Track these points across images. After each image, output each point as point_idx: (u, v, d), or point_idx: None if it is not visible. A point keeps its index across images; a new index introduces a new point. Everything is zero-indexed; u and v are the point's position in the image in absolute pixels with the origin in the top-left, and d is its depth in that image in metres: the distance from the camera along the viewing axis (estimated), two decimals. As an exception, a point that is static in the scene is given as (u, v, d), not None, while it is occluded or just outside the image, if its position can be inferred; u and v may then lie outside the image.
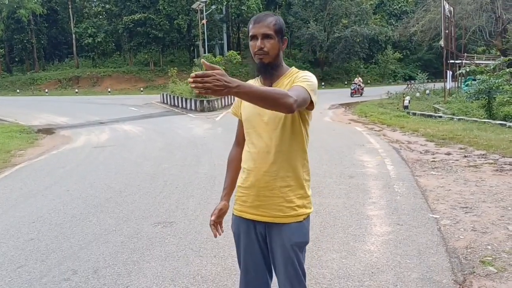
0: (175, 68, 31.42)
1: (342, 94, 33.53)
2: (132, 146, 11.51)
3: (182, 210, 5.52)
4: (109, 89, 43.51)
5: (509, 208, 5.20)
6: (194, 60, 30.08)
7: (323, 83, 47.80)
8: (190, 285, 3.47)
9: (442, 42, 26.07)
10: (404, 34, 44.54)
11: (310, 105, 1.92)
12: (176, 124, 17.53)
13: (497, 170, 7.39)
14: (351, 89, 32.35)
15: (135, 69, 50.34)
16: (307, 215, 2.08)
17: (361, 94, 32.02)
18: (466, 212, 5.11)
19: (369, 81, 48.84)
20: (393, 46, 54.25)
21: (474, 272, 3.53)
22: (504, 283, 3.32)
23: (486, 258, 3.78)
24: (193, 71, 26.88)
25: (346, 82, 48.74)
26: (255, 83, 2.09)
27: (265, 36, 1.96)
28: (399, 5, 57.12)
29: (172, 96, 27.34)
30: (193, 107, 24.10)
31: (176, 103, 26.53)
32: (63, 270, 3.84)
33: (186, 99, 25.06)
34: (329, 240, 4.33)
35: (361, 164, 8.14)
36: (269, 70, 2.02)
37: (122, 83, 47.52)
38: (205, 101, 23.49)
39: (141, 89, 43.21)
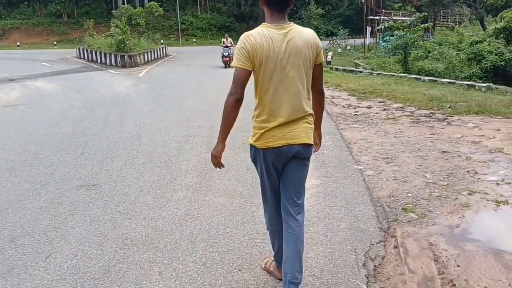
0: (91, 20, 29.32)
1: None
2: (47, 105, 10.69)
3: (106, 171, 5.25)
4: (18, 43, 39.85)
5: (426, 157, 5.54)
6: (112, 11, 28.11)
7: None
8: (119, 249, 3.31)
9: (363, -2, 26.68)
10: (327, -11, 44.89)
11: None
12: (95, 80, 16.54)
13: (414, 121, 7.82)
14: (224, 56, 19.80)
15: (46, 21, 46.34)
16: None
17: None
18: (387, 163, 5.37)
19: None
20: (316, 1, 54.67)
21: (397, 219, 3.73)
22: (424, 228, 3.54)
23: (407, 205, 4.01)
24: (111, 23, 25.16)
25: (271, 37, 48.63)
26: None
27: None
28: (322, -41, 57.18)
29: (89, 51, 25.64)
30: (113, 63, 22.84)
31: (94, 58, 24.95)
32: (-25, 242, 3.51)
33: (105, 54, 23.64)
34: (260, 196, 4.33)
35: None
36: None
37: (32, 36, 43.72)
38: (126, 56, 22.32)
39: (55, 43, 40.04)
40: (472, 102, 9.06)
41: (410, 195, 4.28)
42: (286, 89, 2.41)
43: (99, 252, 3.29)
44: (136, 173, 5.15)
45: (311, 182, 4.73)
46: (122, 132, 7.43)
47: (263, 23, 2.44)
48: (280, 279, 2.74)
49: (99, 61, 24.26)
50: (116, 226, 3.72)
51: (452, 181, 4.63)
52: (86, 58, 26.02)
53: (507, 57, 17.38)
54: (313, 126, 2.59)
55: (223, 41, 20.30)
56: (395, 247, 3.28)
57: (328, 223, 3.69)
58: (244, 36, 2.39)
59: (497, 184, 4.53)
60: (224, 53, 19.82)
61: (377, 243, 3.33)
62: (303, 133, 2.49)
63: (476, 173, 4.90)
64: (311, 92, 2.57)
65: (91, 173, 5.19)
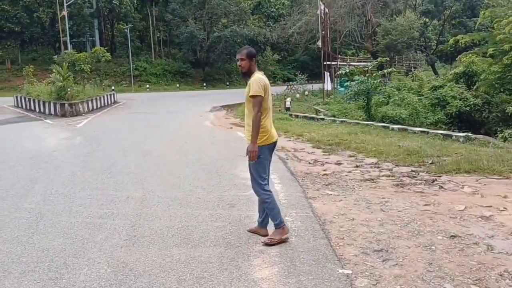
0: (32, 66, 27.16)
1: (224, 95, 32.28)
2: None
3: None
4: (-48, 91, 36.83)
5: (433, 247, 3.98)
6: (53, 57, 26.08)
7: (205, 84, 46.30)
8: None
9: (319, 43, 26.19)
10: (282, 36, 45.11)
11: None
12: (25, 133, 14.44)
13: (398, 185, 6.36)
14: None
15: (-13, 68, 43.54)
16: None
17: None
18: (383, 260, 3.75)
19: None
20: (272, 48, 54.83)
21: None
22: None
23: None
24: (52, 70, 23.14)
25: (228, 83, 47.98)
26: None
27: (240, 59, 4.19)
28: (276, 7, 57.96)
29: (27, 99, 23.43)
30: (52, 112, 20.74)
31: (32, 107, 22.75)
32: None
33: (44, 102, 21.51)
34: None
35: (244, 184, 6.53)
36: (245, 76, 4.24)
37: (-30, 83, 40.70)
38: (66, 105, 20.26)
39: (-5, 90, 37.32)
40: (458, 157, 7.76)
41: (437, 335, 2.64)
42: (271, 108, 4.31)
43: None
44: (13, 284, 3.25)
45: (276, 309, 3.02)
46: (20, 210, 5.51)
47: (258, 70, 4.27)
48: (263, 235, 4.32)
49: (37, 110, 22.10)
50: None
51: (489, 298, 3.06)
52: (24, 107, 23.75)
53: (471, 102, 16.78)
54: None
55: None
56: None
57: None
58: (260, 78, 4.11)
59: (556, 301, 3.00)
60: None
61: None
62: (275, 134, 4.34)
63: (514, 277, 3.36)
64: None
65: None
